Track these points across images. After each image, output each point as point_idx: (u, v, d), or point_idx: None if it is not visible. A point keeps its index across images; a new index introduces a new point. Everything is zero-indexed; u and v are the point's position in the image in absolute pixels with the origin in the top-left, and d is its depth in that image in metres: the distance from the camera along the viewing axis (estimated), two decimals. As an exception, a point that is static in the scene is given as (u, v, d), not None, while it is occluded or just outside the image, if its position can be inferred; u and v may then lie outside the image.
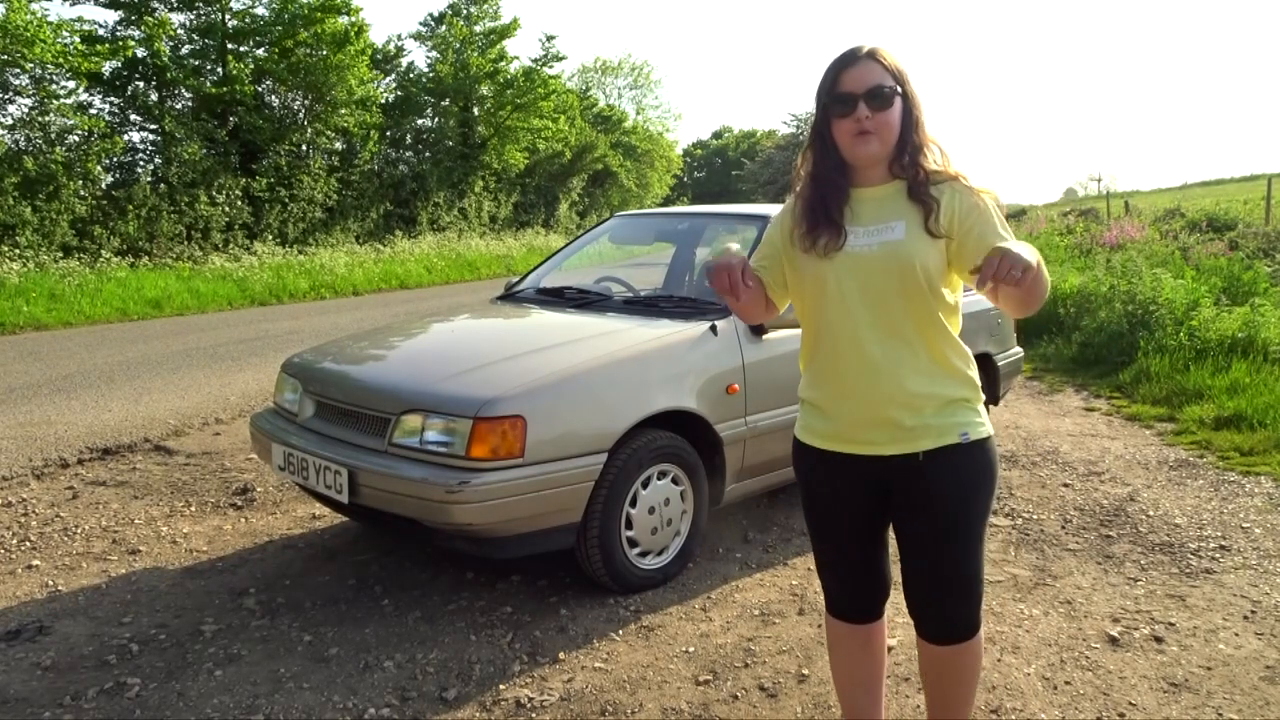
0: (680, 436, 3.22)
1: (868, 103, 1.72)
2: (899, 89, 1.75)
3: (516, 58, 25.36)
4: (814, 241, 1.81)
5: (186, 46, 17.31)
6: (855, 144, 1.75)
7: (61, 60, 13.09)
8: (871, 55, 1.76)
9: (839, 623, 2.04)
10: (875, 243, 1.77)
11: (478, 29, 24.68)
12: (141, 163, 16.54)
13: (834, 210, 1.80)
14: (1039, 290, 1.66)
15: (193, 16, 17.30)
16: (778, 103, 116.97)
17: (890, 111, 1.74)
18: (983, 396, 1.88)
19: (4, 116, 13.45)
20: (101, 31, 15.92)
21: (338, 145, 20.06)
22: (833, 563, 2.01)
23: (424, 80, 23.35)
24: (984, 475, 1.83)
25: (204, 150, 16.38)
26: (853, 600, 2.02)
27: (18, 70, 13.12)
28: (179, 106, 16.89)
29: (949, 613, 1.88)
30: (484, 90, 24.47)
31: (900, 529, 1.90)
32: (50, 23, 13.07)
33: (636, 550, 3.16)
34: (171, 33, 16.51)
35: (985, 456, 1.83)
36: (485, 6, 24.78)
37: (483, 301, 4.49)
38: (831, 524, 1.96)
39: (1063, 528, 3.79)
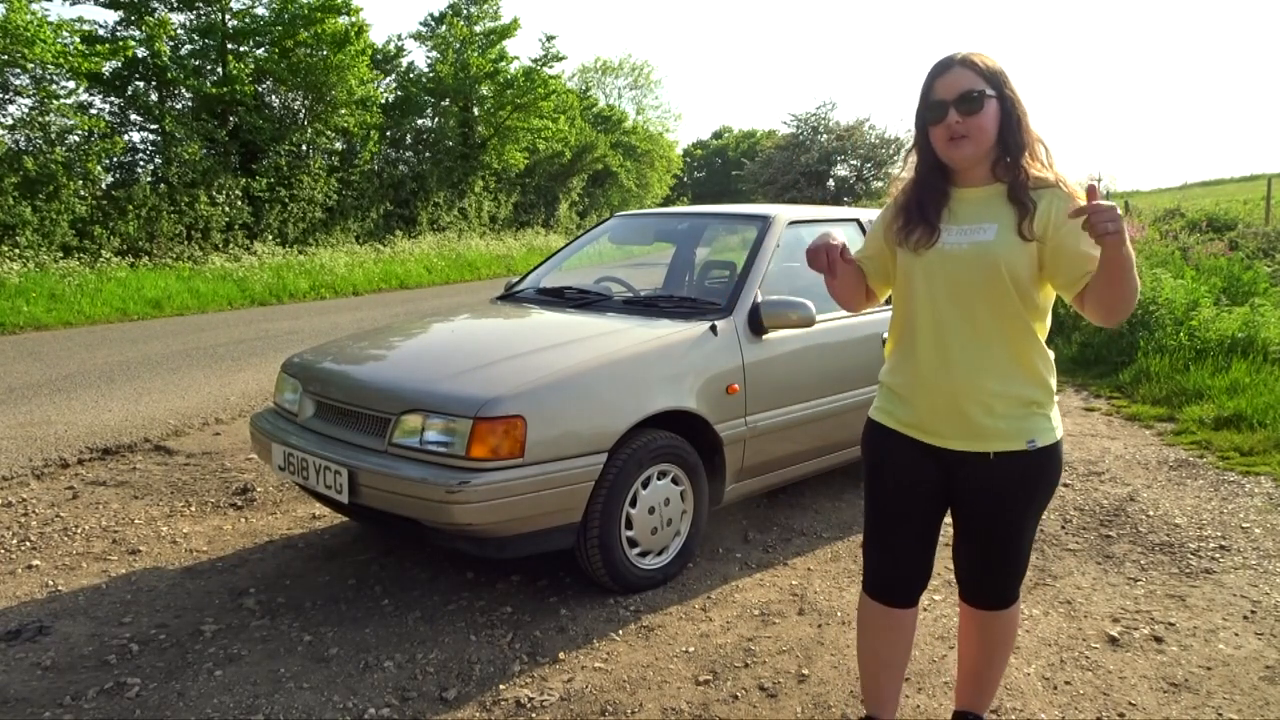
0: (680, 436, 3.22)
1: (957, 108, 1.79)
2: (993, 92, 1.80)
3: (516, 58, 25.34)
4: (908, 237, 1.90)
5: (186, 46, 17.28)
6: (949, 148, 1.82)
7: (61, 60, 13.07)
8: (964, 62, 1.82)
9: (874, 603, 2.09)
10: (966, 242, 1.84)
11: (478, 29, 24.66)
12: (141, 163, 16.53)
13: (930, 210, 1.88)
14: (1128, 286, 1.71)
15: (193, 16, 17.28)
16: (778, 103, 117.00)
17: (982, 115, 1.79)
18: (1056, 399, 1.94)
19: (4, 116, 13.44)
20: (101, 31, 15.90)
21: (338, 145, 20.03)
22: (884, 540, 2.06)
23: (424, 80, 23.33)
24: (1047, 479, 1.92)
25: (204, 150, 16.37)
26: (893, 582, 2.07)
27: (18, 70, 13.10)
28: (179, 106, 16.87)
29: (995, 586, 2.02)
30: (484, 90, 24.44)
31: (958, 513, 2.00)
32: (50, 23, 13.05)
33: (636, 550, 3.16)
34: (171, 33, 16.49)
35: (1051, 461, 1.91)
36: (485, 6, 24.75)
37: (483, 301, 4.49)
38: (891, 504, 2.02)
39: (1063, 528, 3.79)
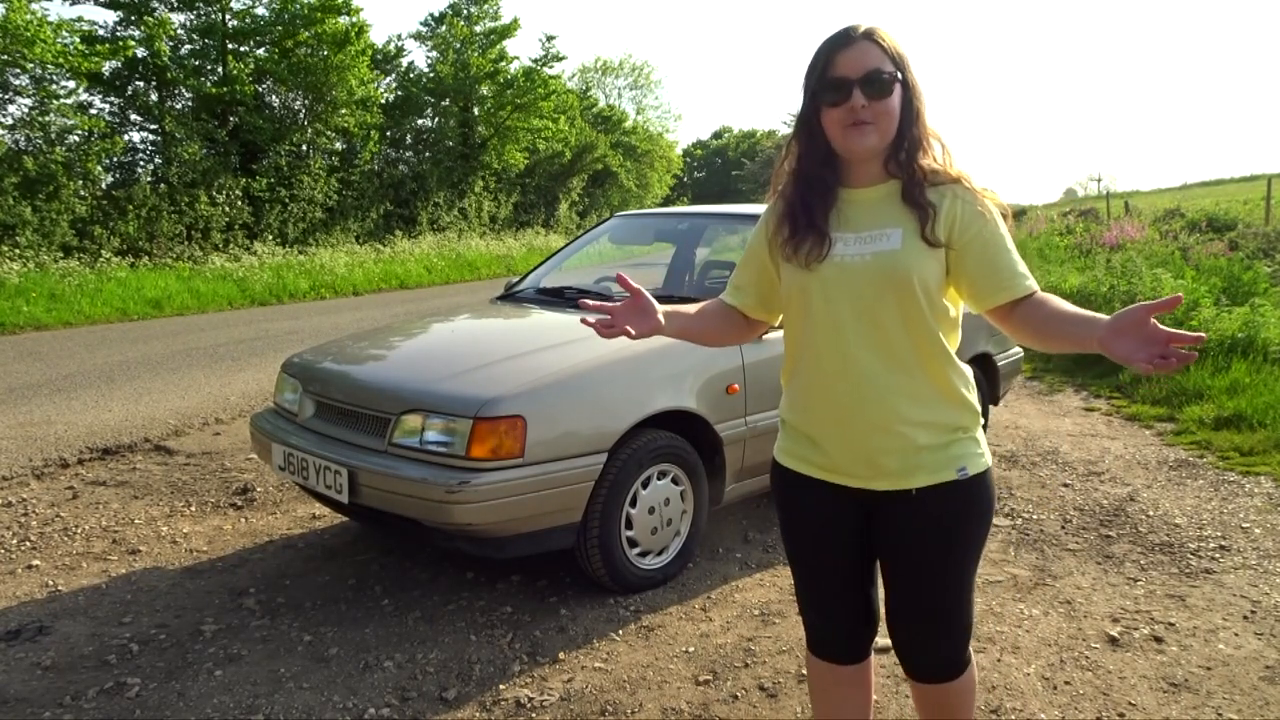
0: (680, 436, 3.22)
1: (864, 89, 1.52)
2: (899, 75, 1.56)
3: (516, 58, 25.39)
4: (795, 249, 1.63)
5: (186, 46, 17.31)
6: (849, 136, 1.55)
7: (61, 60, 13.09)
8: (869, 36, 1.55)
9: (821, 662, 1.87)
10: (868, 252, 1.58)
11: (478, 29, 24.68)
12: (141, 163, 16.57)
13: (818, 214, 1.62)
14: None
15: (193, 16, 17.30)
16: (778, 103, 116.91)
17: (889, 100, 1.54)
18: (980, 421, 1.70)
19: (4, 116, 13.47)
20: (101, 31, 15.93)
21: (338, 145, 20.06)
22: (814, 596, 1.83)
23: (424, 80, 23.35)
24: (979, 510, 1.67)
25: (204, 150, 16.39)
26: (836, 638, 1.84)
27: (18, 70, 13.12)
28: (179, 106, 16.89)
29: (933, 651, 1.76)
30: (484, 90, 24.46)
31: (886, 561, 1.75)
32: (50, 23, 13.07)
33: (636, 550, 3.16)
34: (171, 32, 16.50)
35: (982, 491, 1.67)
36: (485, 6, 24.77)
37: (483, 301, 4.49)
38: (813, 554, 1.79)
39: (1063, 528, 3.79)
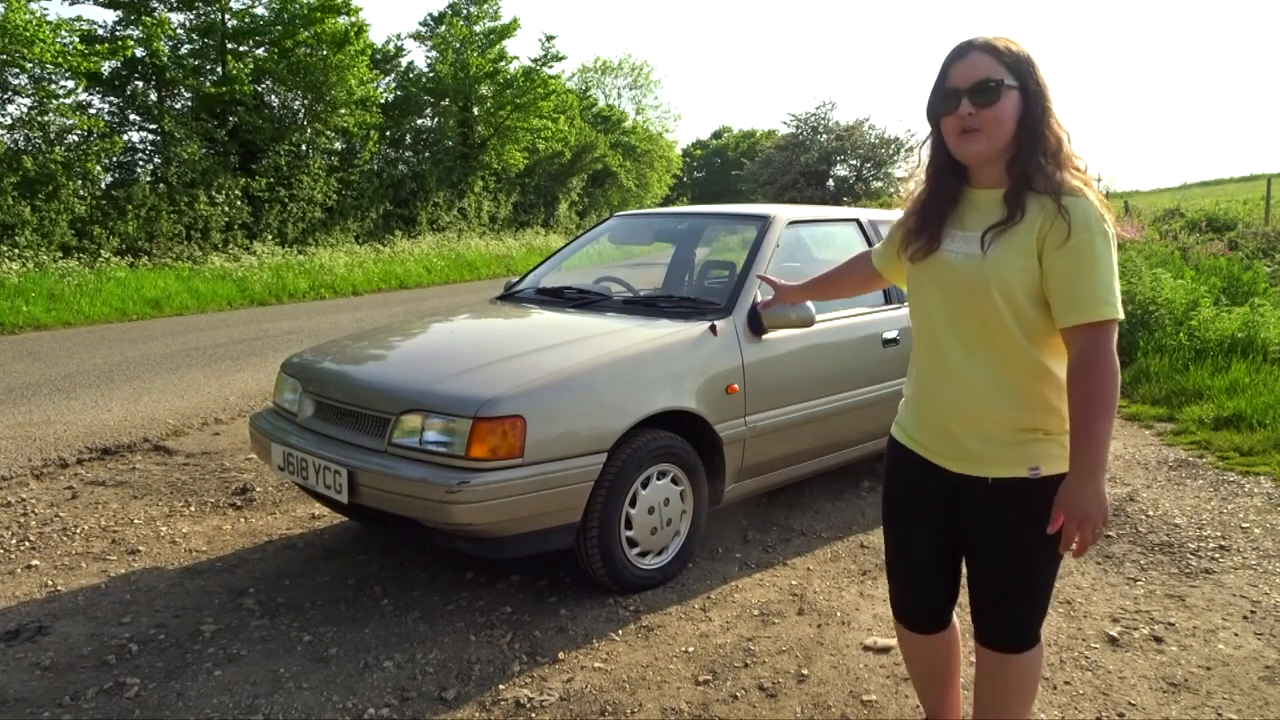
0: (680, 436, 3.22)
1: (972, 99, 1.61)
2: (1014, 82, 1.62)
3: (516, 58, 25.36)
4: (907, 244, 1.78)
5: (186, 46, 17.28)
6: (960, 143, 1.65)
7: (61, 60, 13.06)
8: (984, 47, 1.64)
9: (904, 629, 2.01)
10: (963, 252, 1.68)
11: (478, 29, 24.66)
12: (141, 163, 16.52)
13: (932, 215, 1.74)
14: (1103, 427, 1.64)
15: (192, 16, 17.27)
16: (778, 103, 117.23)
17: (998, 107, 1.61)
18: (1067, 426, 1.68)
19: (3, 116, 13.45)
20: (100, 31, 15.91)
21: (337, 145, 20.04)
22: (898, 564, 1.96)
23: (424, 80, 23.34)
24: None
25: (203, 150, 16.36)
26: (916, 607, 1.96)
27: (17, 70, 13.10)
28: (178, 106, 16.87)
29: (1005, 622, 1.83)
30: (484, 90, 24.44)
31: (964, 540, 1.84)
32: (49, 22, 13.05)
33: (636, 550, 3.16)
34: (171, 32, 16.48)
35: None
36: (485, 6, 24.75)
37: (482, 301, 4.49)
38: (901, 523, 1.92)
39: (1062, 528, 3.79)
